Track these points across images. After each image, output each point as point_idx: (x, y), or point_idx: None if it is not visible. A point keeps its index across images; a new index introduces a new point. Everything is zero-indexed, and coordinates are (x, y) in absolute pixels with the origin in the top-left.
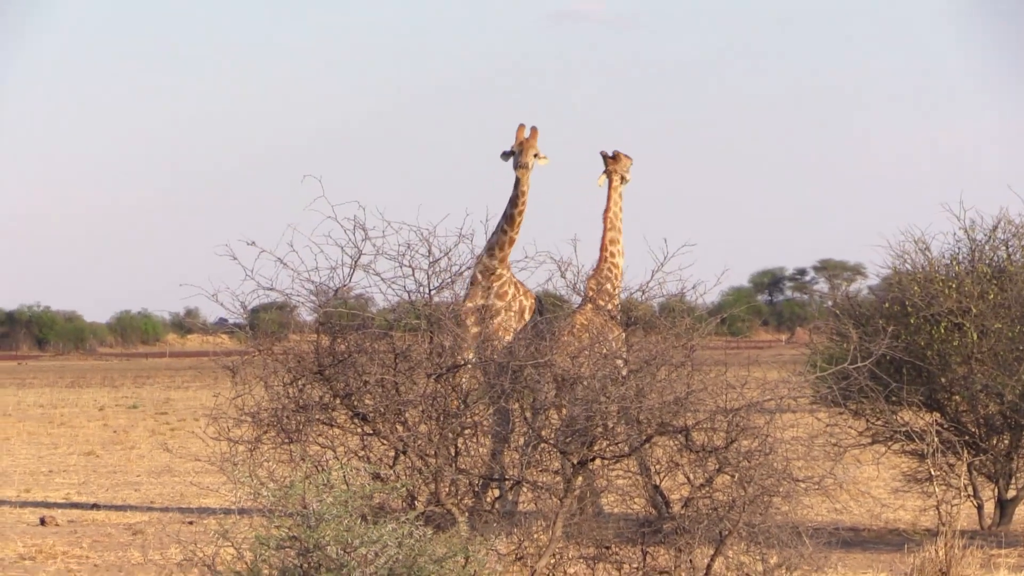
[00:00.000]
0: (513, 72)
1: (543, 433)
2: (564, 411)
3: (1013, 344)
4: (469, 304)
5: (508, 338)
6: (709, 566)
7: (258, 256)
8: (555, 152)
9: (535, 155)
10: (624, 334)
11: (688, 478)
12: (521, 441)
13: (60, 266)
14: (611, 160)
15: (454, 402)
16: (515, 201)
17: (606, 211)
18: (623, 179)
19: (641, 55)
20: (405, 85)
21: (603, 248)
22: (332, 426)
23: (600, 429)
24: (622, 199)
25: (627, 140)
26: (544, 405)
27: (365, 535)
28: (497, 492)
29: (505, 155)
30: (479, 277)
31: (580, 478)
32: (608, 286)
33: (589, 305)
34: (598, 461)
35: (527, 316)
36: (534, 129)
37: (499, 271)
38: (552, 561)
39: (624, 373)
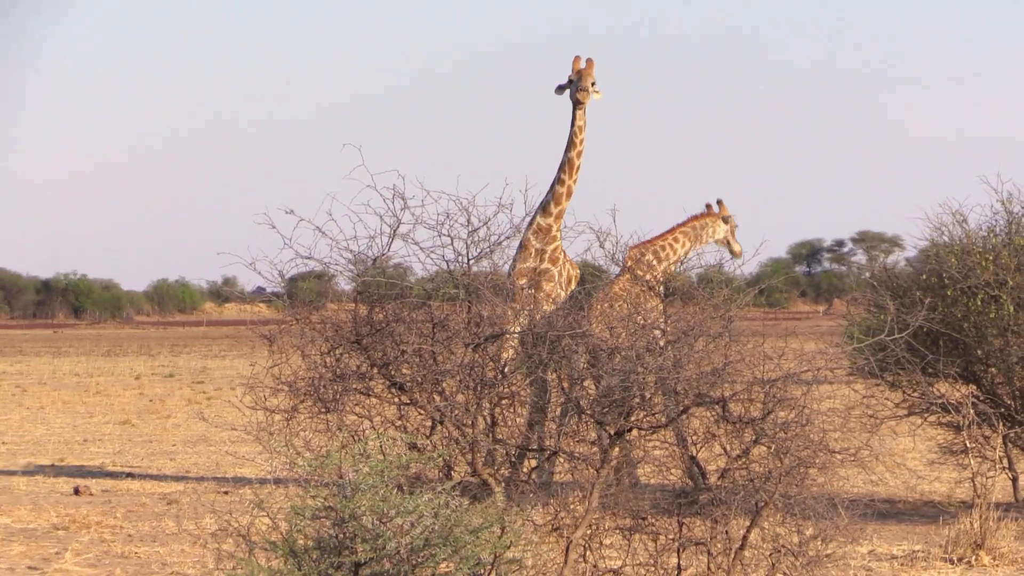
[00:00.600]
0: (553, 41)
1: (580, 404)
2: (602, 381)
3: None
4: (522, 266)
5: (549, 308)
6: (745, 537)
7: (296, 225)
8: (597, 114)
9: (593, 84)
10: (662, 304)
11: (724, 449)
12: (558, 412)
13: (97, 234)
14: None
15: (491, 372)
16: (572, 142)
17: (699, 216)
18: (726, 219)
19: (678, 21)
20: (445, 53)
21: (672, 231)
22: (369, 396)
23: (637, 400)
24: (717, 235)
25: (671, 110)
26: (581, 375)
27: (401, 505)
28: (534, 463)
29: (560, 88)
30: (531, 239)
31: (617, 449)
32: (650, 257)
33: (627, 275)
34: (635, 432)
35: (572, 285)
36: (590, 60)
37: (553, 232)
38: (588, 532)
39: (662, 343)
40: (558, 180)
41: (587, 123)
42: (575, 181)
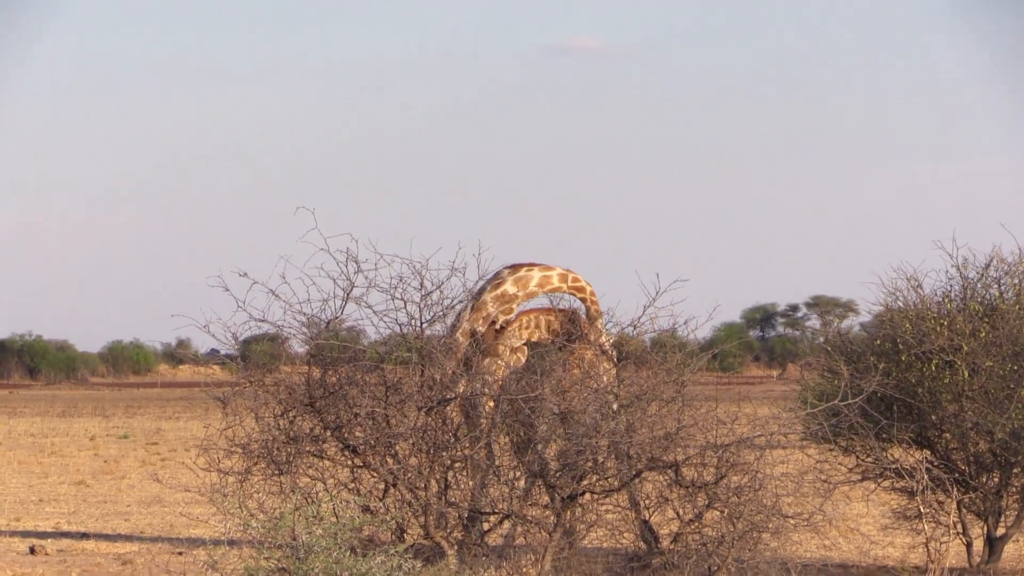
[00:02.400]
0: (507, 105)
1: (532, 468)
2: (554, 446)
3: (1004, 382)
4: (467, 327)
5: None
6: None
7: (250, 287)
8: (551, 185)
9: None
10: (615, 369)
11: (677, 513)
12: (511, 475)
13: (52, 295)
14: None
15: (444, 435)
16: (592, 317)
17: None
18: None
19: (634, 90)
20: (399, 117)
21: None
22: (322, 458)
23: (590, 464)
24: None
25: (620, 174)
26: (544, 437)
27: (354, 568)
28: (486, 526)
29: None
30: (488, 303)
31: (569, 512)
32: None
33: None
34: (588, 495)
35: (517, 357)
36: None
37: (514, 304)
38: None
39: (615, 408)
40: (560, 276)
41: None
42: (561, 290)
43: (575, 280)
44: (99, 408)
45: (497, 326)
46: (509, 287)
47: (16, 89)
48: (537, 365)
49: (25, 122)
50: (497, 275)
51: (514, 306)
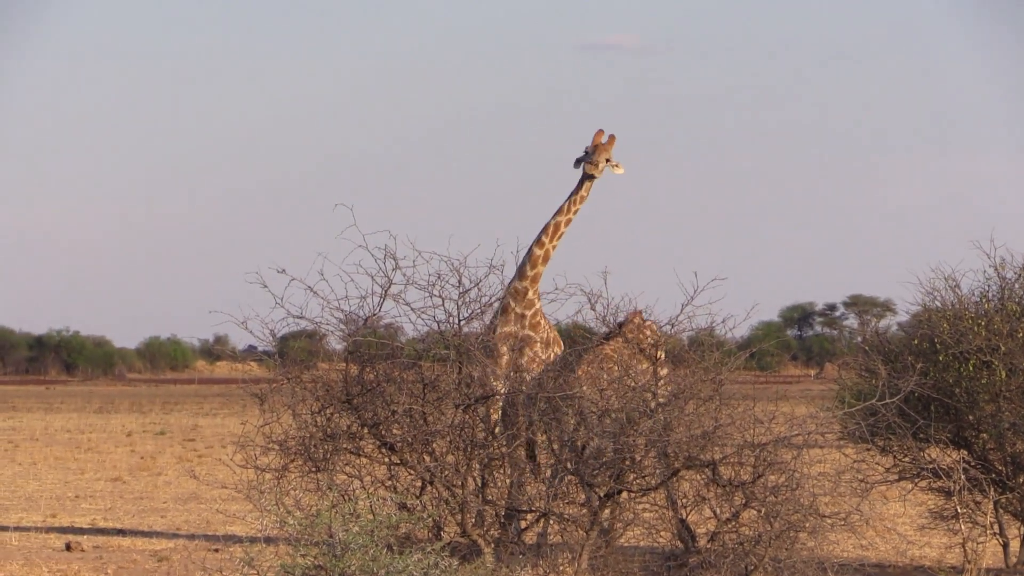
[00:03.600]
0: (544, 102)
1: (569, 465)
2: (592, 443)
3: None
4: (504, 330)
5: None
6: None
7: (288, 284)
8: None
9: (608, 160)
10: (657, 368)
11: (715, 512)
12: (548, 473)
13: (89, 291)
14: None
15: (482, 432)
16: (565, 208)
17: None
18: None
19: (671, 87)
20: (437, 115)
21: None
22: (359, 455)
23: (628, 462)
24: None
25: (657, 172)
26: (572, 438)
27: (391, 565)
28: (522, 523)
29: (577, 161)
30: (510, 303)
31: (607, 511)
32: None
33: (619, 337)
34: (625, 494)
35: (552, 349)
36: (612, 136)
37: (530, 296)
38: None
39: (653, 406)
40: (537, 242)
41: (590, 196)
42: (555, 246)
43: (548, 232)
44: (136, 404)
45: (527, 324)
46: (517, 283)
47: (53, 81)
48: (574, 363)
49: (61, 118)
50: (509, 283)
51: (530, 295)
